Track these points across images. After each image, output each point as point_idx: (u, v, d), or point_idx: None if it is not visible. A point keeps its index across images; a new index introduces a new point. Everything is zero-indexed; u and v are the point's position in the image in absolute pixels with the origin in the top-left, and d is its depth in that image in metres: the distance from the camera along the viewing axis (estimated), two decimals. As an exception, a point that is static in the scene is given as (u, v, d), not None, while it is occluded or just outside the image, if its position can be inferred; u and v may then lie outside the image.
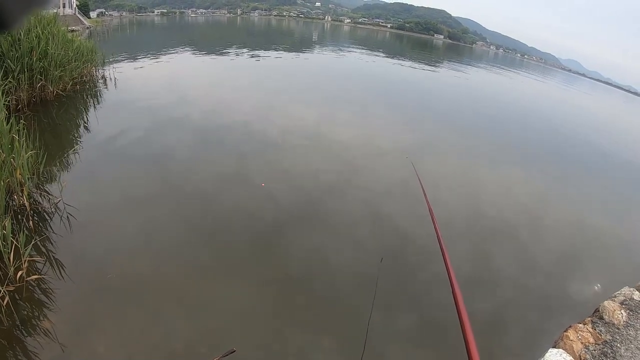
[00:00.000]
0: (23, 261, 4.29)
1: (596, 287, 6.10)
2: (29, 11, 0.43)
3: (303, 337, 4.35)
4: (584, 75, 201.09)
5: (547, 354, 4.15)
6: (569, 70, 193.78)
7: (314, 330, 4.46)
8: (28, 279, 4.30)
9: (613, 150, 18.08)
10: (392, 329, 4.64)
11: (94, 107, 11.31)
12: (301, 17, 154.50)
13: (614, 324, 4.71)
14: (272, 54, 31.46)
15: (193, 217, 6.32)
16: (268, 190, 7.42)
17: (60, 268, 4.70)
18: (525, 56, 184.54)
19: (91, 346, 3.82)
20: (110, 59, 16.33)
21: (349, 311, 4.81)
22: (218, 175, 7.87)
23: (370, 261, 5.78)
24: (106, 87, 13.34)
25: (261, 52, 30.66)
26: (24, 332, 3.83)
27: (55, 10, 19.11)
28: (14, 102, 8.94)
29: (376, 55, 42.89)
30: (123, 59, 19.42)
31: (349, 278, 5.42)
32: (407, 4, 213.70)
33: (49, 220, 5.57)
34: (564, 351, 4.19)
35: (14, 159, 5.50)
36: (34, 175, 6.10)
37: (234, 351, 3.71)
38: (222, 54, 27.52)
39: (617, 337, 4.49)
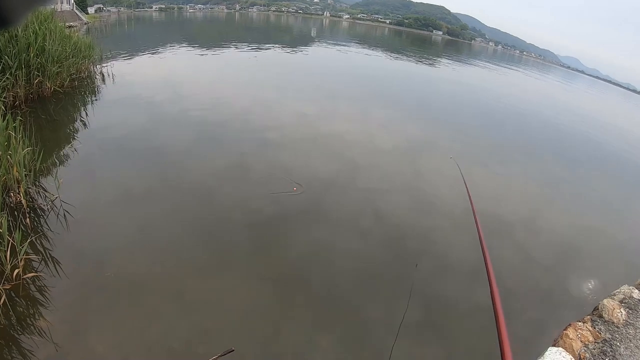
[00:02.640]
0: (19, 259, 4.26)
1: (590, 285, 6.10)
2: (32, 8, 0.43)
3: (301, 336, 4.33)
4: (582, 72, 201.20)
5: (547, 353, 4.13)
6: (568, 67, 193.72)
7: (313, 329, 4.44)
8: (25, 277, 4.27)
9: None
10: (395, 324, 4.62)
11: (92, 103, 11.24)
12: (299, 12, 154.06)
13: (613, 323, 4.70)
14: (271, 49, 31.44)
15: (191, 214, 6.29)
16: (267, 188, 7.38)
17: (57, 266, 4.67)
18: (524, 53, 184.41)
19: (88, 345, 3.79)
20: (108, 55, 16.26)
21: (348, 310, 4.79)
22: (216, 172, 7.83)
23: (369, 259, 5.79)
24: (104, 83, 13.27)
25: (260, 48, 30.58)
26: (20, 330, 3.80)
27: (52, 6, 18.97)
28: (11, 99, 8.87)
29: (375, 52, 42.77)
30: (121, 55, 19.31)
31: (348, 276, 5.39)
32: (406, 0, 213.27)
33: (46, 218, 5.54)
34: (563, 350, 4.18)
35: (10, 156, 5.46)
36: (30, 172, 6.05)
37: (233, 350, 3.69)
38: (220, 49, 27.42)
39: (617, 335, 4.48)
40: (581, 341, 4.35)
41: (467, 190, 2.63)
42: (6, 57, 8.75)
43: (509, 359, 0.99)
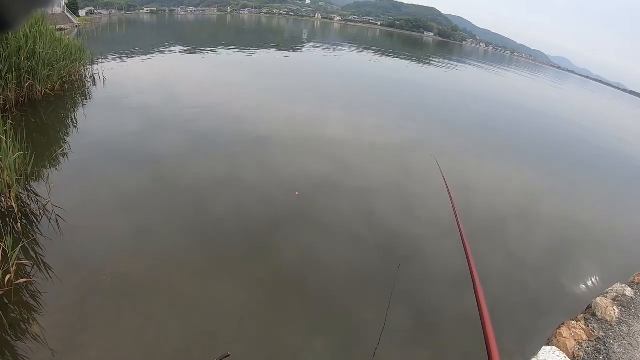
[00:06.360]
0: (11, 265, 4.21)
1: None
2: (31, 11, 0.43)
3: (297, 339, 4.32)
4: (573, 72, 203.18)
5: (541, 352, 4.16)
6: (559, 68, 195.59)
7: (309, 332, 4.43)
8: (17, 282, 4.22)
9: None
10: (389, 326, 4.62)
11: (83, 106, 11.15)
12: (291, 14, 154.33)
13: (606, 321, 4.74)
14: (263, 51, 31.40)
15: (185, 218, 6.25)
16: (261, 189, 7.37)
17: (50, 271, 4.62)
18: (515, 53, 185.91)
19: (82, 350, 3.75)
20: (99, 58, 16.14)
21: (343, 312, 4.78)
22: (209, 175, 7.80)
23: (365, 261, 5.79)
24: (95, 87, 13.18)
25: (251, 50, 30.57)
26: (13, 336, 3.76)
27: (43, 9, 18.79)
28: (2, 102, 8.80)
29: (366, 53, 42.90)
30: (112, 57, 19.18)
31: (343, 278, 5.39)
32: (397, 1, 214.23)
33: (38, 223, 5.48)
34: (557, 348, 4.21)
35: (1, 160, 5.40)
36: (21, 176, 5.98)
37: (229, 356, 3.66)
38: (211, 52, 27.36)
39: (610, 333, 4.51)
40: (575, 340, 4.38)
41: (446, 184, 2.69)
42: (-4, 60, 8.68)
43: (496, 356, 0.98)
